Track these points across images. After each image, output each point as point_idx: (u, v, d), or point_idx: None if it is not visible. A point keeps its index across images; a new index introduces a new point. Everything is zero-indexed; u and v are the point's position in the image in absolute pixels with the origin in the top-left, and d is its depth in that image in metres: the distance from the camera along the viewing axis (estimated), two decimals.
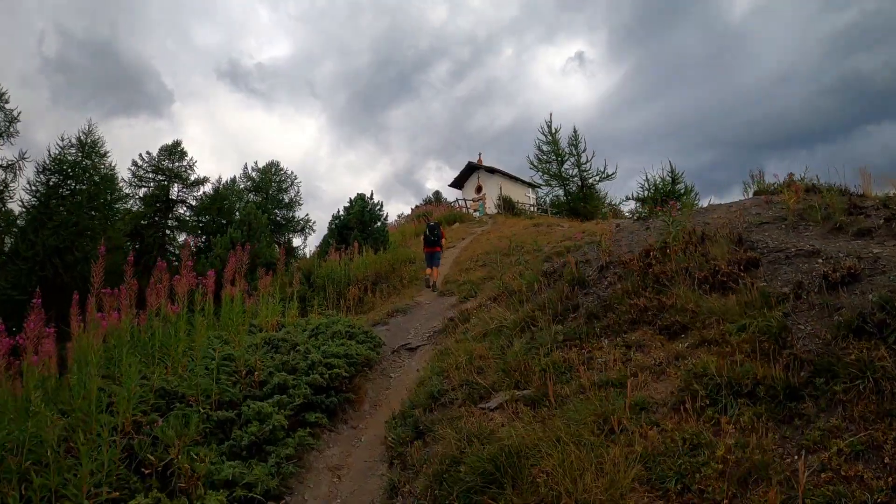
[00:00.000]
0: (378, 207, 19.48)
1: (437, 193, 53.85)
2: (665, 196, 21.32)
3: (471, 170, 38.91)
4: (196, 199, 34.84)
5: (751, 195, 10.94)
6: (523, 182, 38.51)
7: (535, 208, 37.08)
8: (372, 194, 19.69)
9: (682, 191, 21.59)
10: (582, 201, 24.60)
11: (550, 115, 26.58)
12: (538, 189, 39.32)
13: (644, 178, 22.29)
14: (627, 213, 22.51)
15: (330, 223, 19.85)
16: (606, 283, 6.02)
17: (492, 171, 37.37)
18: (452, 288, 12.22)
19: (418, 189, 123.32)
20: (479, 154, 39.20)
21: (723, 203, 10.55)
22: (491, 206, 34.76)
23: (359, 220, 18.46)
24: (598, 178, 23.40)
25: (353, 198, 19.52)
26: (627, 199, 22.69)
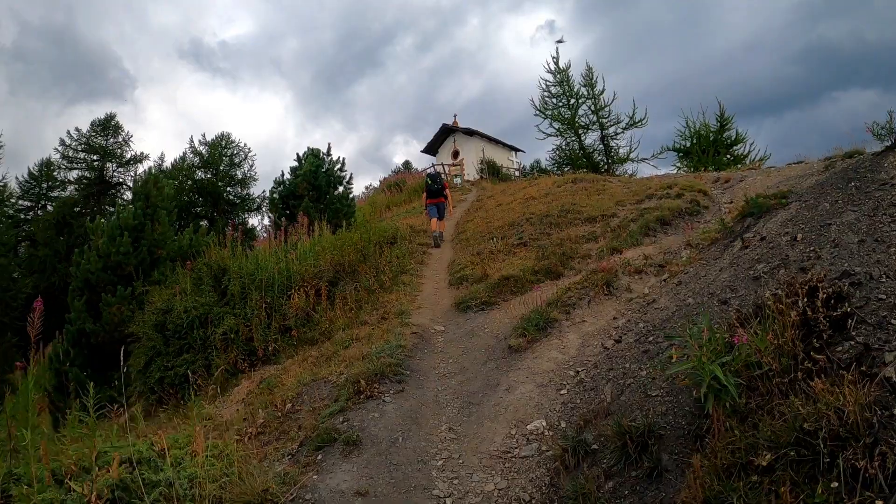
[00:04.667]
0: (338, 167, 12.92)
1: (406, 163, 47.46)
2: (715, 146, 15.39)
3: (446, 133, 32.24)
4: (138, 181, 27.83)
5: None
6: (505, 145, 32.23)
7: (519, 173, 31.04)
8: (329, 149, 13.08)
9: (733, 139, 15.62)
10: (604, 154, 18.33)
11: (557, 49, 20.13)
12: (520, 152, 33.28)
13: (684, 123, 16.22)
14: (674, 168, 16.56)
15: (271, 191, 13.18)
16: None
17: (470, 132, 30.83)
18: (480, 291, 5.94)
19: (385, 164, 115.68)
20: (455, 116, 32.61)
21: None
22: (472, 172, 28.39)
23: (310, 185, 11.87)
24: (622, 125, 17.26)
25: (302, 153, 12.87)
26: (666, 149, 16.78)
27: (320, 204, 11.88)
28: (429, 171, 12.45)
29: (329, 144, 12.91)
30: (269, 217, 14.24)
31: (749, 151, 15.41)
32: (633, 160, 17.28)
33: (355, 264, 7.89)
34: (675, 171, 14.94)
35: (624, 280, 5.16)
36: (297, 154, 12.77)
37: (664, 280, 5.09)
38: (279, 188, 12.75)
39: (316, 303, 7.37)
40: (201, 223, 29.89)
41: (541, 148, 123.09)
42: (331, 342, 6.05)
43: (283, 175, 12.89)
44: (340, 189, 12.62)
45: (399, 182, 26.66)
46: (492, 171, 27.64)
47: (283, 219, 12.27)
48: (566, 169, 27.39)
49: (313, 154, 12.65)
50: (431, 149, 33.51)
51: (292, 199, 12.19)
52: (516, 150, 33.01)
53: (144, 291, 9.19)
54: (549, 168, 29.36)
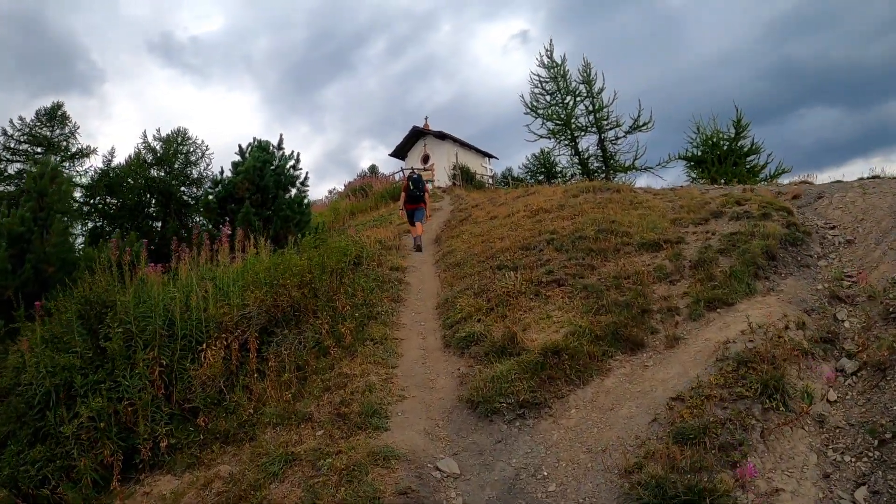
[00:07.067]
0: (291, 165, 10.18)
1: (373, 167, 44.56)
2: (731, 155, 13.36)
3: (416, 136, 29.65)
4: (88, 177, 24.50)
5: None
6: (478, 151, 29.92)
7: (493, 180, 28.94)
8: (281, 141, 10.32)
9: (748, 148, 13.62)
10: (602, 161, 16.01)
11: (551, 40, 17.81)
12: (494, 159, 31.02)
13: (695, 129, 14.13)
14: (688, 180, 14.38)
15: (206, 192, 10.29)
16: None
17: (442, 136, 28.35)
18: (513, 378, 3.42)
19: (352, 167, 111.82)
20: (426, 118, 30.09)
21: None
22: (443, 177, 25.95)
23: (254, 185, 9.11)
24: (625, 129, 14.97)
25: (246, 146, 10.06)
26: (675, 158, 14.64)
27: (265, 210, 9.13)
28: (410, 174, 10.31)
29: (281, 135, 10.16)
30: (202, 224, 11.29)
31: (767, 162, 13.54)
32: (637, 168, 15.10)
33: (303, 304, 5.25)
34: (688, 184, 12.86)
35: (790, 373, 2.74)
36: (240, 146, 9.95)
37: (860, 376, 2.70)
38: (216, 189, 9.89)
39: (240, 364, 4.71)
40: (153, 224, 26.28)
41: (510, 157, 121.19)
42: (252, 449, 3.45)
43: (222, 172, 10.05)
44: (293, 192, 9.89)
45: (365, 186, 23.97)
46: (465, 177, 25.25)
47: (221, 227, 9.50)
48: (540, 178, 25.16)
49: (260, 147, 9.86)
50: (400, 153, 30.86)
51: (231, 203, 9.39)
52: (490, 156, 30.79)
53: (17, 328, 6.30)
54: (521, 177, 27.36)
